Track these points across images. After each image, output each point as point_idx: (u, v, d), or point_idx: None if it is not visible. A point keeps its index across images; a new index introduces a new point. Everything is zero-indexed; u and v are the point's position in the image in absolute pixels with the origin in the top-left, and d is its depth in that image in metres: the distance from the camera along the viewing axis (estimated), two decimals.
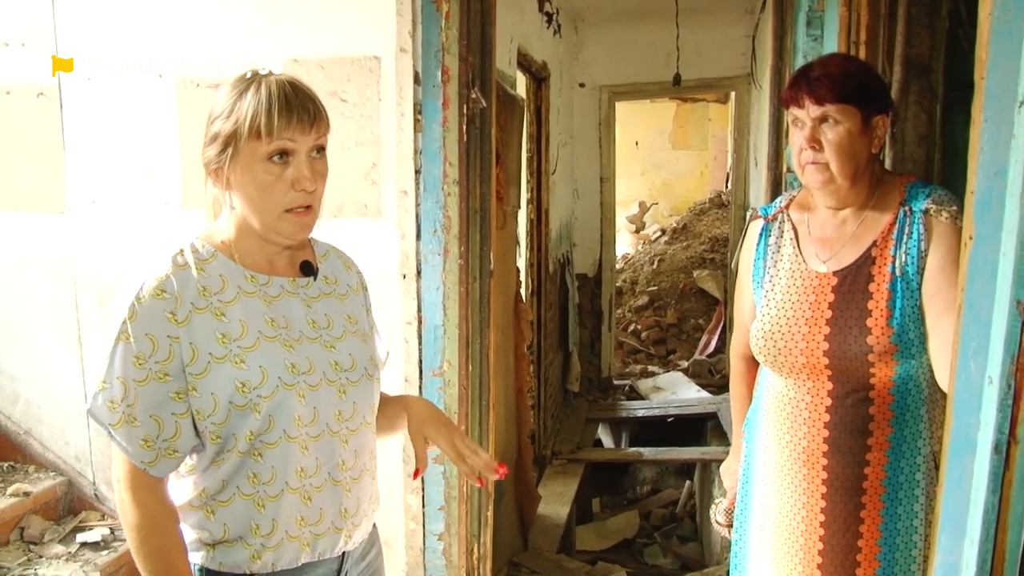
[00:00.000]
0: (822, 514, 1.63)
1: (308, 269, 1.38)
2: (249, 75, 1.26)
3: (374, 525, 1.49)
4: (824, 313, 1.60)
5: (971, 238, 1.15)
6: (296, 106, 1.23)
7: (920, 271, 1.52)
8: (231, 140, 1.23)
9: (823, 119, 1.55)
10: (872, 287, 1.57)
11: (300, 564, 1.31)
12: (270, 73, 1.26)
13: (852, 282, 1.59)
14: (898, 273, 1.54)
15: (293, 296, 1.34)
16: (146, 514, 1.24)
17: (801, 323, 1.62)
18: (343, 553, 1.38)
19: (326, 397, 1.31)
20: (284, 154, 1.23)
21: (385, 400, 1.49)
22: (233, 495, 1.27)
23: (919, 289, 1.53)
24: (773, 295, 1.69)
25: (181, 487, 1.30)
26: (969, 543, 1.13)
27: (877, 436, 1.57)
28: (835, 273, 1.61)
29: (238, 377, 1.23)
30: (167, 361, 1.21)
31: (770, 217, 1.76)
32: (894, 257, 1.55)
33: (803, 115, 1.57)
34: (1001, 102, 1.07)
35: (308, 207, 1.28)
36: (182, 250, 1.28)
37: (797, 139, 1.59)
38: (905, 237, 1.55)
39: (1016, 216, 1.02)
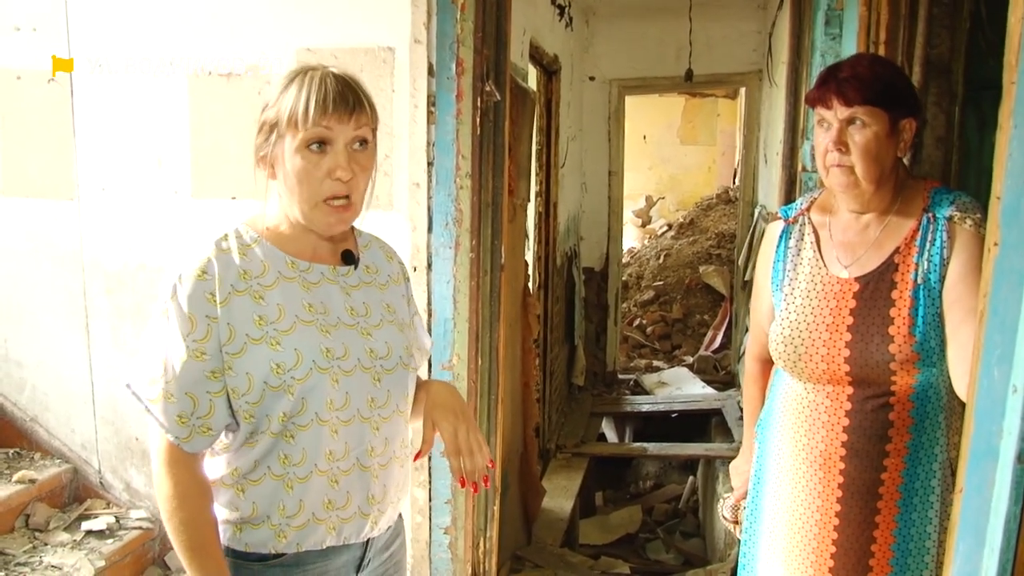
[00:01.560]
0: (836, 517, 1.62)
1: (349, 258, 1.40)
2: (301, 68, 1.30)
3: (399, 515, 1.50)
4: (845, 320, 1.59)
5: (996, 244, 1.13)
6: (334, 96, 1.26)
7: (942, 279, 1.51)
8: (274, 128, 1.28)
9: (851, 121, 1.52)
10: (895, 294, 1.55)
11: (325, 547, 1.34)
12: (322, 66, 1.30)
13: (874, 289, 1.57)
14: (920, 281, 1.53)
15: (332, 283, 1.37)
16: (178, 487, 1.27)
17: (822, 329, 1.61)
18: (367, 540, 1.40)
19: (359, 383, 1.34)
20: (322, 143, 1.26)
21: (416, 385, 1.51)
22: (264, 475, 1.30)
23: (940, 297, 1.51)
24: (793, 299, 1.67)
25: (215, 465, 1.33)
26: (989, 552, 1.12)
27: (896, 442, 1.56)
28: (857, 279, 1.60)
29: (273, 358, 1.26)
30: (204, 340, 1.25)
31: (790, 219, 1.74)
32: (917, 264, 1.54)
33: (830, 116, 1.55)
34: None
35: (347, 199, 1.29)
36: (226, 235, 1.32)
37: (823, 140, 1.57)
38: (928, 244, 1.53)
39: None
